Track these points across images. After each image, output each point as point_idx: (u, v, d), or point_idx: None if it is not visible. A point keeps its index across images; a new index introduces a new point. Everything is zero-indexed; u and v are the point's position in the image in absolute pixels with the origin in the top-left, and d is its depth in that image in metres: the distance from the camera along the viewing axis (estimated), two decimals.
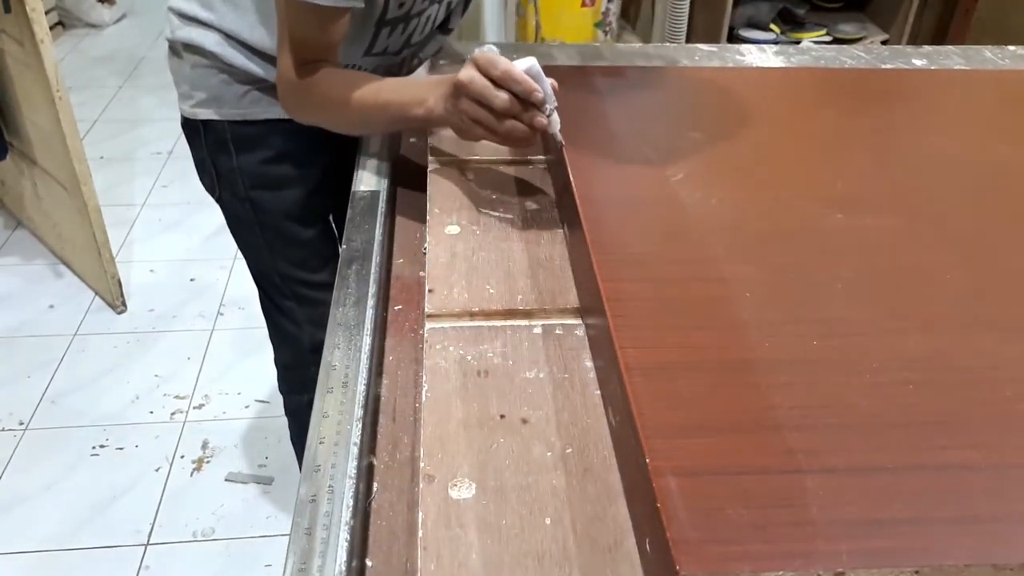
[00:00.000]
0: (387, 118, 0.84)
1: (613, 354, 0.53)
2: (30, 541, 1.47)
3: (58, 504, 1.54)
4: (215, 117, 0.99)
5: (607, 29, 2.38)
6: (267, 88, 0.97)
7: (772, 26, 2.51)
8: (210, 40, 0.95)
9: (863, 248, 0.64)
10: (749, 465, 0.45)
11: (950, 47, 1.17)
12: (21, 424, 1.70)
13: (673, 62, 1.08)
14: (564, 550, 0.47)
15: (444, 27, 1.02)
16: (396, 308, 0.71)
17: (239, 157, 1.01)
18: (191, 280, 2.11)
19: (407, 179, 0.90)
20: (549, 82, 0.71)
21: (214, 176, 1.05)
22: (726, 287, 0.59)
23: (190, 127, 1.03)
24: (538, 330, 0.63)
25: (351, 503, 0.51)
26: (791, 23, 2.55)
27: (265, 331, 1.22)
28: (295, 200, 1.05)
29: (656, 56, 1.10)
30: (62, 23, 3.53)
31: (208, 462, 1.63)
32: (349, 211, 0.80)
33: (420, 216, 0.79)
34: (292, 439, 1.38)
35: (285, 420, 1.39)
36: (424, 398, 0.57)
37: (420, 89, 0.80)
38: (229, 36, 0.94)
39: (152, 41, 3.47)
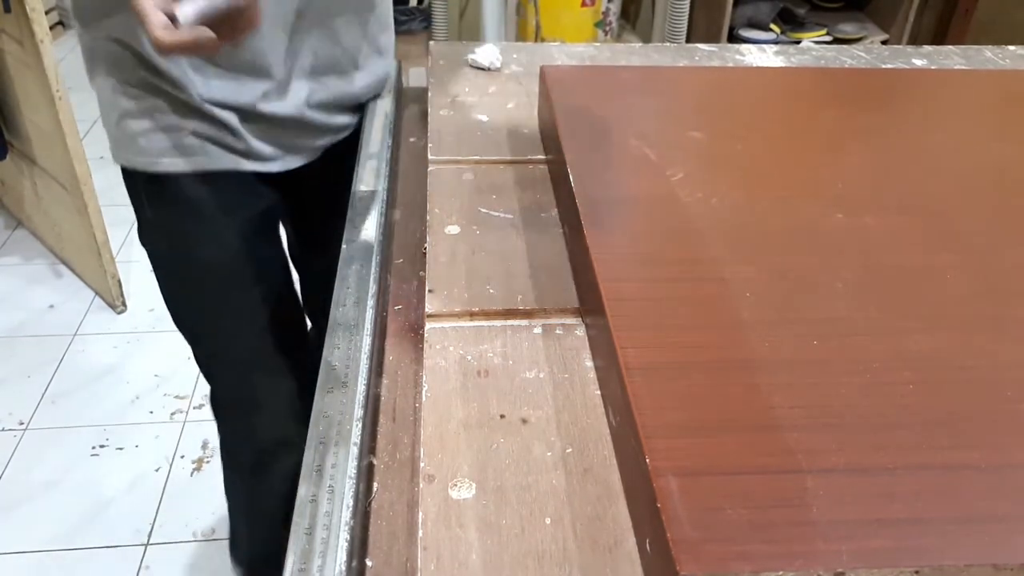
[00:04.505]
0: None
1: (613, 354, 0.53)
2: (30, 541, 1.47)
3: (58, 504, 1.54)
4: (127, 165, 0.88)
5: (607, 29, 2.38)
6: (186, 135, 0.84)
7: (772, 26, 2.51)
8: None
9: (863, 248, 0.64)
10: (749, 465, 0.45)
11: (950, 47, 1.17)
12: (21, 424, 1.70)
13: (673, 62, 1.08)
14: (564, 550, 0.47)
15: None
16: (396, 308, 0.71)
17: (155, 209, 0.90)
18: None
19: (407, 179, 0.90)
20: None
21: (138, 226, 0.94)
22: (726, 287, 0.59)
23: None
24: (538, 330, 0.63)
25: (351, 503, 0.51)
26: (791, 23, 2.54)
27: None
28: (227, 255, 0.92)
29: (656, 56, 1.10)
30: (62, 23, 3.53)
31: (208, 462, 1.63)
32: (349, 211, 0.80)
33: (420, 216, 0.79)
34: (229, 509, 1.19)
35: None
36: (424, 398, 0.57)
37: None
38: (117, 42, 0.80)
39: None
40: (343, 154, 0.92)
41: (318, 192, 0.98)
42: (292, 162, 0.93)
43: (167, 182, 0.86)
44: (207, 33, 0.59)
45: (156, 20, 0.57)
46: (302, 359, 1.02)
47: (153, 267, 0.96)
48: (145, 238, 0.94)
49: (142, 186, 0.89)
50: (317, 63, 0.88)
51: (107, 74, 0.84)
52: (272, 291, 0.98)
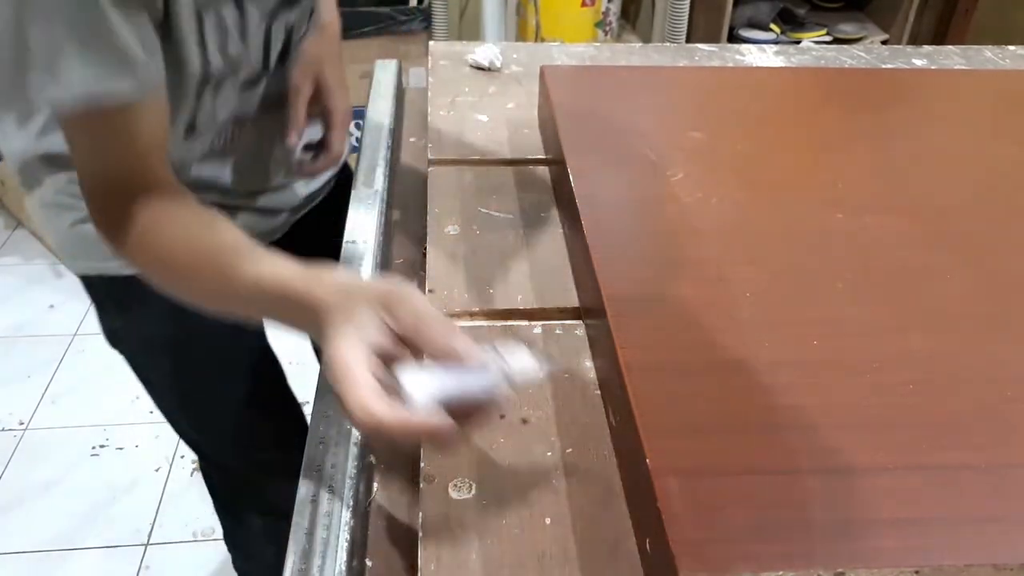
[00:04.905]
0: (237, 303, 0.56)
1: (613, 354, 0.53)
2: (30, 541, 1.47)
3: (58, 504, 1.54)
4: (93, 273, 0.80)
5: (607, 29, 2.38)
6: None
7: (772, 26, 2.51)
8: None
9: (863, 248, 0.64)
10: (749, 465, 0.45)
11: (950, 47, 1.17)
12: (21, 424, 1.70)
13: (673, 62, 1.08)
14: (564, 550, 0.47)
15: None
16: None
17: (129, 315, 0.81)
18: None
19: (407, 179, 0.90)
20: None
21: (108, 335, 0.86)
22: (726, 287, 0.59)
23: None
24: (538, 330, 0.63)
25: (351, 503, 0.51)
26: (791, 23, 2.54)
27: None
28: (216, 354, 0.83)
29: (656, 56, 1.10)
30: None
31: None
32: (350, 211, 0.80)
33: (420, 216, 0.79)
34: None
35: None
36: None
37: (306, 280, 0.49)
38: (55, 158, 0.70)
39: None
40: (342, 183, 0.91)
41: (319, 223, 0.91)
42: (287, 223, 0.87)
43: (140, 283, 0.70)
44: (445, 422, 0.42)
45: (367, 386, 0.41)
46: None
47: (131, 368, 0.87)
48: (119, 345, 0.85)
49: (111, 292, 0.79)
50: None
51: (51, 176, 0.73)
52: (265, 381, 0.90)
